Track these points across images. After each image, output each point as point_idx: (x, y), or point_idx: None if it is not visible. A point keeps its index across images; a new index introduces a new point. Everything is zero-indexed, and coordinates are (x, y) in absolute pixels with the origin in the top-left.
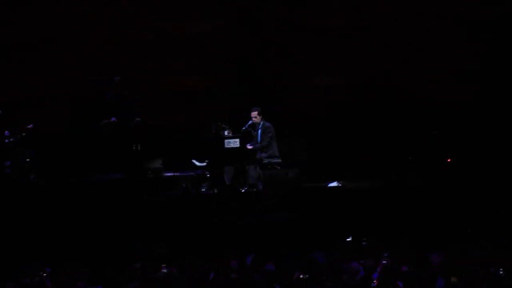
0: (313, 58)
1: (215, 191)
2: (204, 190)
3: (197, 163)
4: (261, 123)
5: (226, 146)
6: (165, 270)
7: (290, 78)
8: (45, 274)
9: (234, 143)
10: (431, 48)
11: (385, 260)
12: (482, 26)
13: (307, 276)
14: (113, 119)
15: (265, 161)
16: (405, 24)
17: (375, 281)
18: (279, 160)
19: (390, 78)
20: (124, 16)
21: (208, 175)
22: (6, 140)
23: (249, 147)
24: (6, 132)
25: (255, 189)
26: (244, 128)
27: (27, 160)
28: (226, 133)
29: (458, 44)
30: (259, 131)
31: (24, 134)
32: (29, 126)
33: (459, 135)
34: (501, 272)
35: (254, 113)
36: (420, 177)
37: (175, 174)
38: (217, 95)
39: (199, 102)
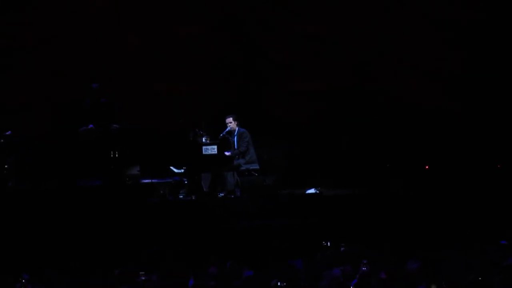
0: (294, 64)
1: (193, 198)
2: (182, 196)
3: (175, 170)
4: (237, 129)
5: (204, 152)
6: (143, 278)
7: (270, 84)
8: (23, 281)
9: (212, 149)
10: (415, 52)
11: (364, 267)
12: (469, 31)
13: (284, 284)
14: (91, 126)
15: (243, 167)
16: (391, 29)
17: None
18: (257, 167)
19: (372, 84)
20: (107, 20)
21: (186, 182)
22: None
23: (227, 154)
24: None
25: (233, 196)
26: (221, 134)
27: (5, 166)
28: (203, 139)
29: (443, 49)
30: (235, 137)
31: (2, 140)
32: (7, 133)
33: (439, 141)
34: (480, 279)
35: (229, 119)
36: (399, 184)
37: (153, 180)
38: (196, 101)
39: (178, 108)
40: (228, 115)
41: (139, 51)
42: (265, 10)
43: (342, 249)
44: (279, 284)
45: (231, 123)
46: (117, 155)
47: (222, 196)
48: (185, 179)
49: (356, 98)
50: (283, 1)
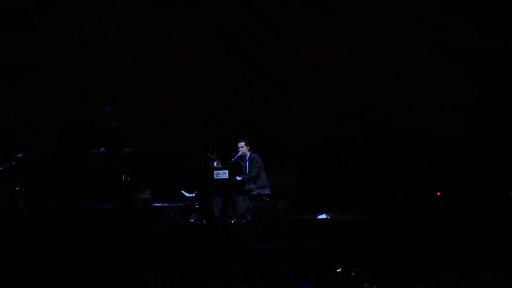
0: (302, 89)
1: (204, 222)
2: (192, 220)
3: (186, 194)
4: (248, 154)
5: (215, 177)
6: None
7: (279, 109)
8: None
9: (223, 174)
10: (420, 79)
11: None
12: (473, 58)
13: None
14: (102, 149)
15: (254, 192)
16: (396, 56)
17: None
18: (268, 192)
19: (379, 109)
20: (113, 43)
21: (197, 206)
22: None
23: (239, 178)
24: None
25: (243, 220)
26: (233, 159)
27: (17, 188)
28: (215, 164)
29: (448, 76)
30: (247, 162)
31: (13, 163)
32: (18, 155)
33: (449, 168)
34: None
35: (241, 144)
36: (409, 210)
37: (164, 204)
38: (207, 125)
39: (188, 133)
40: (241, 140)
41: (150, 76)
42: (270, 36)
43: (353, 274)
44: None
45: (243, 148)
46: (128, 179)
47: (233, 220)
48: (196, 203)
49: (366, 124)
50: (288, 27)
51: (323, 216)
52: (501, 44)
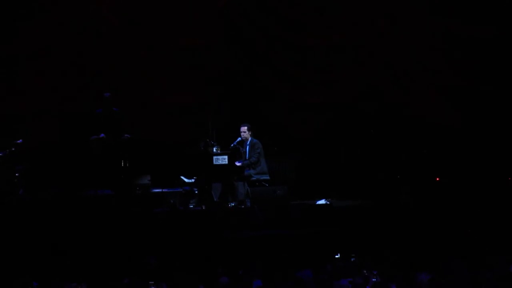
0: (301, 77)
1: (203, 208)
2: (192, 206)
3: (186, 180)
4: (250, 139)
5: (214, 162)
6: (153, 287)
7: (279, 96)
8: None
9: (223, 160)
10: (422, 66)
11: (374, 278)
12: (474, 45)
13: None
14: (102, 135)
15: (254, 178)
16: (396, 43)
17: None
18: (268, 177)
19: (380, 97)
20: (113, 31)
21: (196, 192)
22: None
23: (238, 164)
24: None
25: (243, 206)
26: (232, 145)
27: (16, 175)
28: (214, 149)
29: (448, 63)
30: (247, 147)
31: (13, 149)
32: (18, 141)
33: (448, 154)
34: None
35: (243, 128)
36: (409, 196)
37: (163, 190)
38: (206, 112)
39: (187, 119)
40: (243, 124)
41: (149, 64)
42: (271, 23)
43: (352, 259)
44: None
45: (245, 133)
46: (127, 165)
47: (232, 206)
48: (195, 189)
49: (365, 112)
50: (289, 14)
51: (322, 201)
52: (505, 31)
